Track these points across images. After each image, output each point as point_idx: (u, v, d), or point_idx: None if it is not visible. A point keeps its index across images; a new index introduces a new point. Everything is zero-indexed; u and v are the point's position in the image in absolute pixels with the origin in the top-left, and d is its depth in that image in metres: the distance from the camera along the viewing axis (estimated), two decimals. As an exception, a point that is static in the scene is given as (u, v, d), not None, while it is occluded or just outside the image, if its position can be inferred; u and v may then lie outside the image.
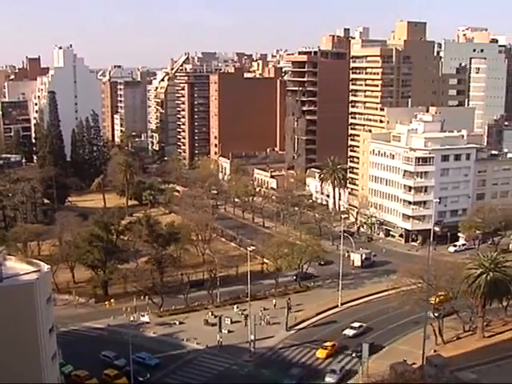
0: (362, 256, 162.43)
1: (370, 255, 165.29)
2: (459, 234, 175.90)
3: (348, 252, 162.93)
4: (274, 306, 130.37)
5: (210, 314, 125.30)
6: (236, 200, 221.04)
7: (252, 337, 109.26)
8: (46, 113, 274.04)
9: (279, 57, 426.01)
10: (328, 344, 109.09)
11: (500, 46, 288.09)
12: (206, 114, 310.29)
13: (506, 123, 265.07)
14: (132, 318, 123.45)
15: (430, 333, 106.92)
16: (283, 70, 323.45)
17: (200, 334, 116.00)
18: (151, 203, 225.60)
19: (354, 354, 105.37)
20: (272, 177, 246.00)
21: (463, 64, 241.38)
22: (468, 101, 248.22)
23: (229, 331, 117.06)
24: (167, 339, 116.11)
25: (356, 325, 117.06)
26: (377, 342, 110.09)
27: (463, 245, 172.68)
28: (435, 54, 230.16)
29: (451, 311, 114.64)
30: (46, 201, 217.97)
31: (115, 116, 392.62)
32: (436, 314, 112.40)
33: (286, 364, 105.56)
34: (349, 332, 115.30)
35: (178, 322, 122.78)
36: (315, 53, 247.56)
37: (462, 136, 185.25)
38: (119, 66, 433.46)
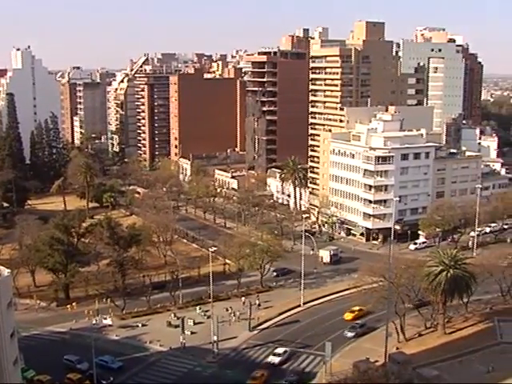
0: (330, 252, 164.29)
1: (337, 252, 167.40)
2: (419, 232, 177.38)
3: (313, 250, 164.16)
4: (243, 303, 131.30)
5: (172, 315, 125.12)
6: (197, 201, 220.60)
7: (215, 338, 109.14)
8: (4, 115, 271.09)
9: (239, 57, 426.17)
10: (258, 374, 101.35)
11: (457, 45, 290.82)
12: (166, 115, 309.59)
13: (463, 122, 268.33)
14: (94, 321, 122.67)
15: (392, 330, 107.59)
16: (243, 70, 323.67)
17: (163, 336, 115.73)
18: (112, 205, 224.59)
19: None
20: (233, 177, 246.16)
21: (421, 63, 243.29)
22: (427, 100, 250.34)
23: (192, 332, 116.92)
24: (130, 342, 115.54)
25: (280, 351, 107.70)
26: (339, 341, 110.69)
27: (423, 242, 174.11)
28: (394, 53, 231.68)
29: (367, 331, 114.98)
30: (5, 204, 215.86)
31: (75, 118, 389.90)
32: (353, 333, 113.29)
33: (249, 364, 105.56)
34: (274, 359, 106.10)
35: (140, 325, 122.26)
36: (275, 53, 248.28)
37: (421, 135, 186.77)
38: (78, 68, 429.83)
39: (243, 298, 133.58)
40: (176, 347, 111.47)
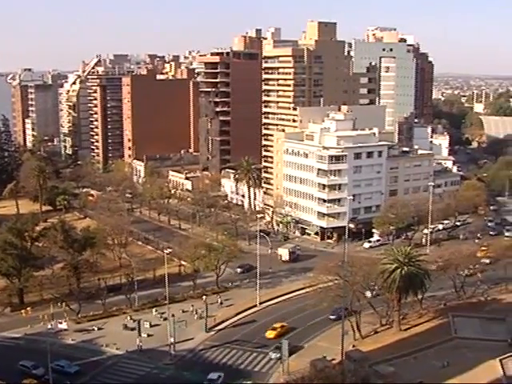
0: (289, 250, 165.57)
1: (295, 249, 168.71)
2: (373, 230, 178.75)
3: (272, 249, 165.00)
4: (204, 302, 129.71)
5: (128, 318, 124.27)
6: (151, 202, 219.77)
7: (172, 339, 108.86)
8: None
9: (192, 58, 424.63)
10: None
11: (408, 45, 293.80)
12: (119, 117, 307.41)
13: (415, 120, 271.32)
14: (49, 326, 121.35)
15: (348, 328, 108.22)
16: (196, 71, 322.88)
17: (119, 339, 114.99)
18: (65, 208, 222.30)
19: None
20: (187, 178, 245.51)
21: (373, 63, 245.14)
22: (379, 99, 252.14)
23: (148, 335, 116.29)
24: (86, 346, 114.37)
25: (214, 376, 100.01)
26: (296, 340, 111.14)
27: (378, 240, 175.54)
28: (346, 53, 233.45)
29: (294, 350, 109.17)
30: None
31: (26, 120, 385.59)
32: (276, 355, 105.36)
33: (206, 365, 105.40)
34: None
35: (96, 328, 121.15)
36: (227, 54, 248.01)
37: (374, 134, 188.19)
38: (29, 70, 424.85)
39: (204, 297, 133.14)
40: (132, 350, 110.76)
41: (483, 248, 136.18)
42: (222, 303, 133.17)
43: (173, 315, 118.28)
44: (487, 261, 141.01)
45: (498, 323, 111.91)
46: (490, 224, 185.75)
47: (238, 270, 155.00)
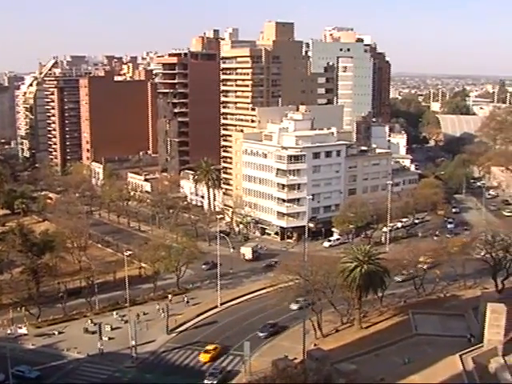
0: (252, 249, 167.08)
1: (257, 248, 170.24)
2: (333, 229, 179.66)
3: (234, 249, 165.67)
4: (170, 301, 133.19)
5: (89, 321, 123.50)
6: (111, 205, 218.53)
7: (133, 342, 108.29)
8: None
9: (149, 59, 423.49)
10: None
11: (365, 45, 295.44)
12: (77, 119, 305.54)
13: (373, 120, 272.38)
14: (9, 331, 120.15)
15: (309, 327, 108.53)
16: (154, 72, 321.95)
17: (80, 343, 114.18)
18: (24, 212, 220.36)
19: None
20: (146, 180, 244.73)
21: (331, 63, 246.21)
22: (337, 99, 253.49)
23: (109, 338, 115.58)
24: (47, 350, 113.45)
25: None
26: (258, 340, 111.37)
27: (337, 239, 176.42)
28: (303, 53, 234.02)
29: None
30: None
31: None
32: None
33: (168, 367, 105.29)
34: None
35: (57, 332, 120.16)
36: (185, 54, 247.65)
37: (332, 133, 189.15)
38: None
39: (170, 296, 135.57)
40: (94, 354, 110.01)
41: (427, 254, 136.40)
42: (188, 302, 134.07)
43: (138, 315, 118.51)
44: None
45: (457, 319, 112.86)
46: (449, 226, 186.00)
47: (204, 266, 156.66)
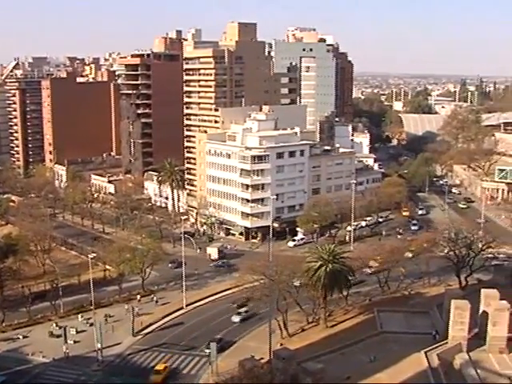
0: (218, 249, 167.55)
1: (223, 248, 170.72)
2: (298, 229, 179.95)
3: (201, 249, 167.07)
4: (139, 301, 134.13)
5: (54, 325, 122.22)
6: (74, 207, 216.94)
7: (99, 345, 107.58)
8: None
9: (112, 60, 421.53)
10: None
11: (328, 45, 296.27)
12: (39, 121, 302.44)
13: (336, 119, 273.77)
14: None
15: (275, 327, 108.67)
16: (117, 73, 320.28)
17: (46, 347, 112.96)
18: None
19: None
20: (109, 182, 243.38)
21: (294, 63, 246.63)
22: (300, 99, 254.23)
23: (75, 341, 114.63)
24: (11, 355, 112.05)
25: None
26: (225, 340, 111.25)
27: (302, 239, 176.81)
28: (266, 53, 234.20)
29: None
30: None
31: None
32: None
33: (135, 370, 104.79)
34: None
35: (21, 336, 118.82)
36: (148, 55, 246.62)
37: (296, 133, 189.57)
38: None
39: (138, 296, 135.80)
40: (59, 357, 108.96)
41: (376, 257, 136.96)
42: (157, 301, 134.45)
43: (106, 317, 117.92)
44: (410, 255, 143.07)
45: (421, 317, 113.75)
46: (412, 228, 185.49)
47: (170, 265, 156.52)
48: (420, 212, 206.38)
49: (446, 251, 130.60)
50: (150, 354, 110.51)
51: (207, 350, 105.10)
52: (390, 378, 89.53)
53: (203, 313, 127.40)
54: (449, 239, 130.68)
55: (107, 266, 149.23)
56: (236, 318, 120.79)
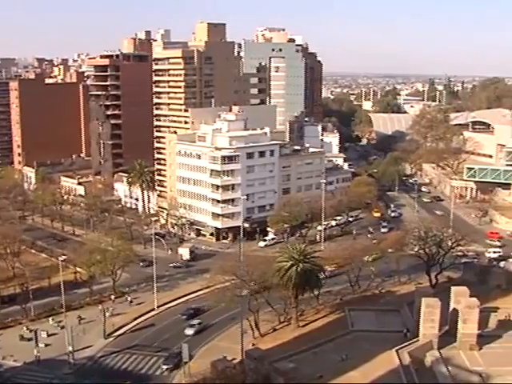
0: (190, 249, 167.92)
1: (194, 248, 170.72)
2: (268, 229, 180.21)
3: (172, 250, 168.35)
4: (113, 301, 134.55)
5: (25, 328, 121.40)
6: (44, 209, 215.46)
7: (70, 348, 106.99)
8: None
9: (81, 61, 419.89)
10: None
11: (297, 45, 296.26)
12: (7, 123, 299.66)
13: (306, 119, 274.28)
14: None
15: (247, 327, 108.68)
16: (85, 74, 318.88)
17: (16, 351, 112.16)
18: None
19: None
20: (79, 183, 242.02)
21: (263, 63, 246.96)
22: (269, 99, 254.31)
23: (46, 345, 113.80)
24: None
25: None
26: (196, 341, 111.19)
27: (273, 239, 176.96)
28: (236, 54, 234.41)
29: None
30: None
31: None
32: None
33: (107, 372, 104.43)
34: None
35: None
36: (117, 56, 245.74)
37: (265, 133, 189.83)
38: None
39: (112, 297, 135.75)
40: (31, 361, 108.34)
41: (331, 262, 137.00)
42: (131, 302, 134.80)
43: (79, 318, 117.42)
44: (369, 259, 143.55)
45: (392, 315, 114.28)
46: (383, 230, 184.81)
47: (141, 263, 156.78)
48: (393, 214, 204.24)
49: (416, 249, 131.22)
50: (122, 356, 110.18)
51: (164, 366, 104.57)
52: (362, 377, 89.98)
53: (174, 314, 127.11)
54: (419, 237, 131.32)
55: (78, 269, 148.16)
56: (189, 331, 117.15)
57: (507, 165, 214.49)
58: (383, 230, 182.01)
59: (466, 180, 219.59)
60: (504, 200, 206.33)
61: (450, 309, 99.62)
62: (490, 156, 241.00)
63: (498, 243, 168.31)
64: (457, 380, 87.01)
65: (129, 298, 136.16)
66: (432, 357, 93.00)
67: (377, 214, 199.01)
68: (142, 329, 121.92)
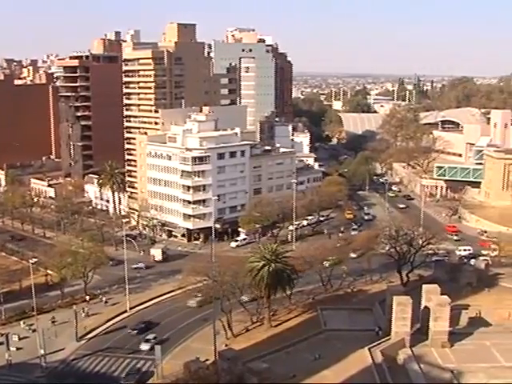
0: (162, 250, 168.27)
1: (165, 249, 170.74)
2: (240, 229, 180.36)
3: (144, 251, 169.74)
4: (88, 302, 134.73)
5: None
6: (14, 212, 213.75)
7: (42, 351, 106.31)
8: None
9: (50, 62, 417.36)
10: None
11: (267, 45, 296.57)
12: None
13: (276, 119, 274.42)
14: None
15: (219, 328, 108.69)
16: (55, 75, 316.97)
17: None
18: None
19: None
20: (50, 185, 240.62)
21: (233, 64, 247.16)
22: (240, 99, 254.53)
23: (17, 348, 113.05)
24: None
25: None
26: (169, 342, 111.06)
27: (244, 239, 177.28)
28: (206, 54, 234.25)
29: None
30: None
31: None
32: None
33: (79, 375, 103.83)
34: None
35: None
36: (87, 57, 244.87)
37: (236, 134, 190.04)
38: None
39: (87, 297, 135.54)
40: (2, 365, 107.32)
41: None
42: (106, 302, 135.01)
43: (53, 319, 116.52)
44: (354, 255, 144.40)
45: (364, 313, 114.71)
46: (352, 233, 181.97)
47: (111, 262, 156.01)
48: (366, 218, 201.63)
49: (387, 248, 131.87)
50: (95, 358, 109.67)
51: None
52: (335, 376, 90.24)
53: (147, 316, 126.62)
54: (390, 236, 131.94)
55: (49, 271, 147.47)
56: (145, 346, 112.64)
57: (476, 163, 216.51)
58: (353, 232, 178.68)
59: (436, 179, 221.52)
60: (473, 198, 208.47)
61: (422, 307, 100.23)
62: (460, 155, 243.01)
63: (455, 237, 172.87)
64: (429, 377, 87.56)
65: (104, 299, 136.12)
66: (404, 355, 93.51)
67: (349, 216, 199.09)
68: (115, 331, 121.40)
